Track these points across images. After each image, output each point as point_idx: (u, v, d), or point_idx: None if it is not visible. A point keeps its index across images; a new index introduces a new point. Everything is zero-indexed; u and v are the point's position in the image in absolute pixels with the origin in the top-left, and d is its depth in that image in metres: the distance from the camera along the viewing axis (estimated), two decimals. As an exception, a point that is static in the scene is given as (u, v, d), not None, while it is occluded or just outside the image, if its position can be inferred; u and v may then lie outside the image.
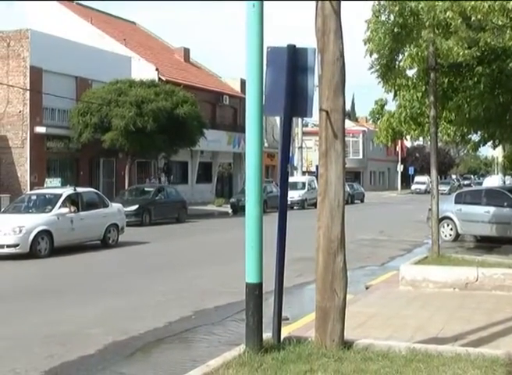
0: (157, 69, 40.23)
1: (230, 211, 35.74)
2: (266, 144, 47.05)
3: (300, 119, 46.69)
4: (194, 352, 7.81)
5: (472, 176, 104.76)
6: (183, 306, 10.40)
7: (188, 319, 9.64)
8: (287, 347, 6.28)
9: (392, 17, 12.36)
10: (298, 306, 10.55)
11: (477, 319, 8.55)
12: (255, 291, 6.18)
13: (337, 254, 6.29)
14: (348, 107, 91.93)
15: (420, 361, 5.96)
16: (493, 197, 19.69)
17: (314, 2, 6.39)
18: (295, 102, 6.43)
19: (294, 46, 6.44)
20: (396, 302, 10.07)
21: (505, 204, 18.98)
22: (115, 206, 20.89)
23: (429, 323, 8.43)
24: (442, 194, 21.15)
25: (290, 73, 6.37)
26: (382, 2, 12.45)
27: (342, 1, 6.35)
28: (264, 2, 6.18)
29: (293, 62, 6.38)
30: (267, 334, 6.47)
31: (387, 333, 7.72)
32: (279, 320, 6.50)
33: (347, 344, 6.33)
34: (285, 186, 6.74)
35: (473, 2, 10.67)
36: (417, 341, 7.10)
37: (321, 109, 6.38)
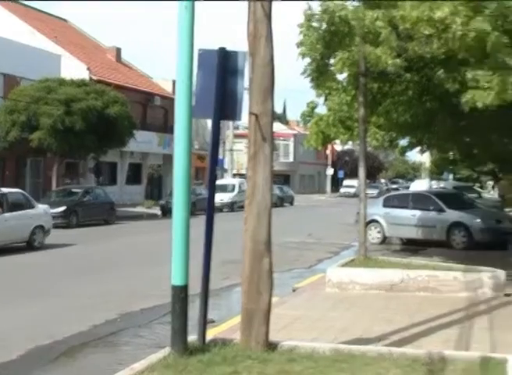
0: (88, 68, 39.58)
1: (159, 213, 35.47)
2: (197, 146, 46.94)
3: (231, 122, 46.72)
4: (119, 355, 7.70)
5: (400, 180, 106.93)
6: (110, 309, 10.26)
7: (114, 322, 9.52)
8: (212, 349, 6.27)
9: (324, 25, 12.48)
10: (225, 308, 10.56)
11: (400, 320, 8.75)
12: (181, 294, 6.14)
13: (263, 256, 6.32)
14: (280, 110, 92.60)
15: (343, 361, 6.04)
16: (420, 201, 20.20)
17: (247, 5, 6.41)
18: (224, 105, 6.43)
19: (225, 49, 6.46)
20: (322, 304, 10.19)
21: (431, 208, 19.49)
22: (42, 207, 20.40)
23: (354, 325, 8.58)
24: (371, 197, 21.55)
25: (220, 75, 6.38)
26: (312, 7, 12.53)
27: (273, 5, 6.39)
28: (197, 3, 6.17)
29: (224, 65, 6.39)
30: (193, 337, 6.44)
31: (312, 335, 7.81)
32: (204, 322, 6.48)
33: (272, 346, 6.36)
34: (212, 188, 6.74)
35: (401, 12, 10.88)
36: (342, 341, 7.20)
37: (250, 113, 6.41)
